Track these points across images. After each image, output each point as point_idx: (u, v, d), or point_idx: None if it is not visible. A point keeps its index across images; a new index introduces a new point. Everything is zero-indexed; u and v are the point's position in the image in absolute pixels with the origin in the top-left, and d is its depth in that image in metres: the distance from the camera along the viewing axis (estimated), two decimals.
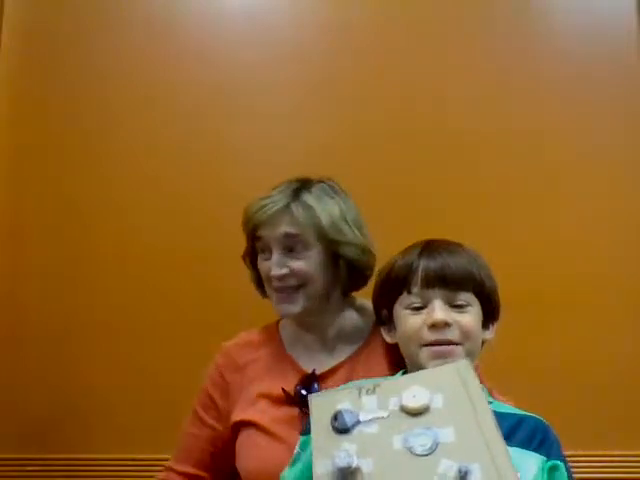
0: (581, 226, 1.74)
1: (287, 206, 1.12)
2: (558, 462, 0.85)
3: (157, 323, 1.72)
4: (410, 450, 0.71)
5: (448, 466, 0.69)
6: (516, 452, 0.79)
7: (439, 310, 0.91)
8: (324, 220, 1.11)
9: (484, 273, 0.98)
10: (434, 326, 0.90)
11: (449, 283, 0.93)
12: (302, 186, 1.16)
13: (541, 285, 1.68)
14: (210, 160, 1.80)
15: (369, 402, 0.78)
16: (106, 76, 1.86)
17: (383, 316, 1.02)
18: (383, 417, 0.75)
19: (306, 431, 0.87)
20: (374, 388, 0.79)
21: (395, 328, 0.98)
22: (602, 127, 1.79)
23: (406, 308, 0.95)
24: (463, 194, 1.75)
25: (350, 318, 1.19)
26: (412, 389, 0.76)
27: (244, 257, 1.22)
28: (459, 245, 1.02)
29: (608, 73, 1.81)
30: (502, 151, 1.78)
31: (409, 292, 0.95)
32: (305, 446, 0.86)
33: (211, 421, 1.17)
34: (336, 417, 0.76)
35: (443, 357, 0.89)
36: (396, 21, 1.86)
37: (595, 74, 1.81)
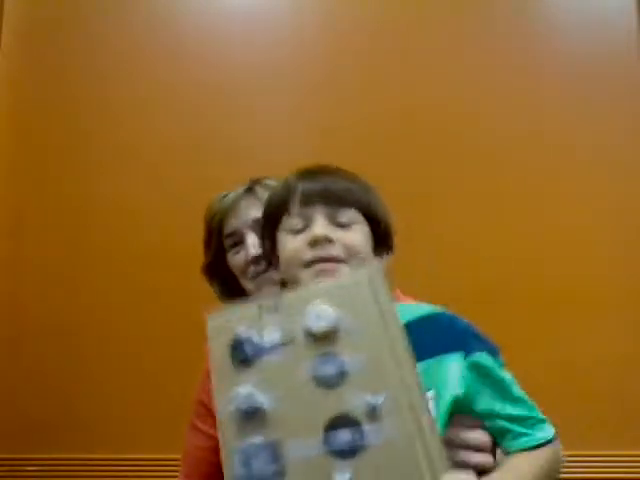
0: (581, 226, 1.74)
1: (251, 189, 1.13)
2: (478, 355, 0.75)
3: (157, 323, 1.72)
4: (315, 382, 0.65)
5: (356, 399, 0.63)
6: (433, 361, 0.73)
7: (320, 226, 0.83)
8: None
9: (370, 194, 0.92)
10: (315, 242, 0.82)
11: (330, 199, 0.86)
12: (256, 179, 1.16)
13: (539, 285, 1.68)
14: (210, 160, 1.80)
15: (272, 323, 0.68)
16: (106, 76, 1.86)
17: (267, 250, 0.93)
18: (287, 342, 0.67)
19: None
20: (276, 305, 0.69)
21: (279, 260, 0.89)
22: (602, 127, 1.79)
23: (287, 232, 0.87)
24: (463, 194, 1.75)
25: None
26: (316, 307, 0.67)
27: (208, 268, 1.17)
28: (342, 169, 0.95)
29: (608, 73, 1.81)
30: (502, 151, 1.78)
31: (289, 214, 0.87)
32: None
33: (211, 430, 1.11)
34: (235, 346, 0.68)
35: (327, 276, 0.80)
36: (396, 21, 1.86)
37: (595, 74, 1.81)
